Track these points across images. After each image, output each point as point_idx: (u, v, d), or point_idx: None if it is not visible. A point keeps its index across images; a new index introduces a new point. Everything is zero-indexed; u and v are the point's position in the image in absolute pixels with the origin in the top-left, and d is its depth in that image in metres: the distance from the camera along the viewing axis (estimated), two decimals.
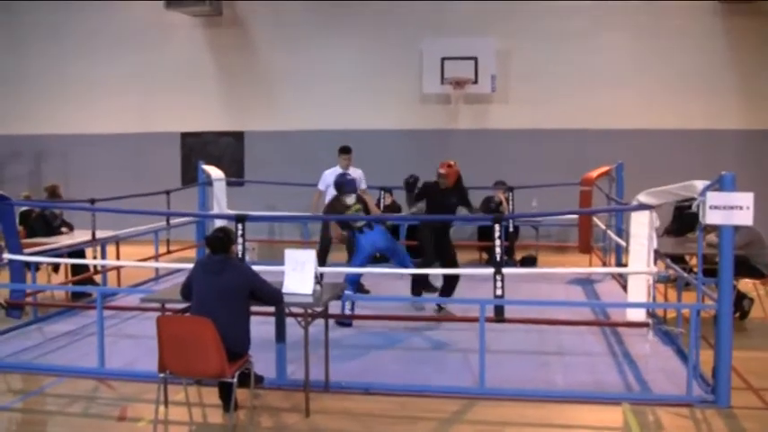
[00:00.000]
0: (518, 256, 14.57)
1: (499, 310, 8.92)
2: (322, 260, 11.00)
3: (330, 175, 11.89)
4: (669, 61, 16.60)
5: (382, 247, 9.96)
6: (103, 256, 11.64)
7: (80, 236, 11.66)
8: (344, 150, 12.26)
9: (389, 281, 11.09)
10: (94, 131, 18.47)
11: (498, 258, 8.26)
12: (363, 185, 11.99)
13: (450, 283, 10.10)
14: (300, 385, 6.74)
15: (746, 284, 10.27)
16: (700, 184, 6.93)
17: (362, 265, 9.75)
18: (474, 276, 10.36)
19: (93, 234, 11.40)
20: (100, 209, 11.53)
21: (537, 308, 9.13)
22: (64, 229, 12.06)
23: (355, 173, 11.89)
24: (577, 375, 7.67)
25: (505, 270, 8.33)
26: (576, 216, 13.69)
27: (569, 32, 16.85)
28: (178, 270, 11.37)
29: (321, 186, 12.23)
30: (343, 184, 10.25)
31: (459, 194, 10.44)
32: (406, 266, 9.99)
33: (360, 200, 10.31)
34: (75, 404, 6.99)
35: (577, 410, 6.76)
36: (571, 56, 16.83)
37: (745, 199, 6.43)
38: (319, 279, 6.79)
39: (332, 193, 11.31)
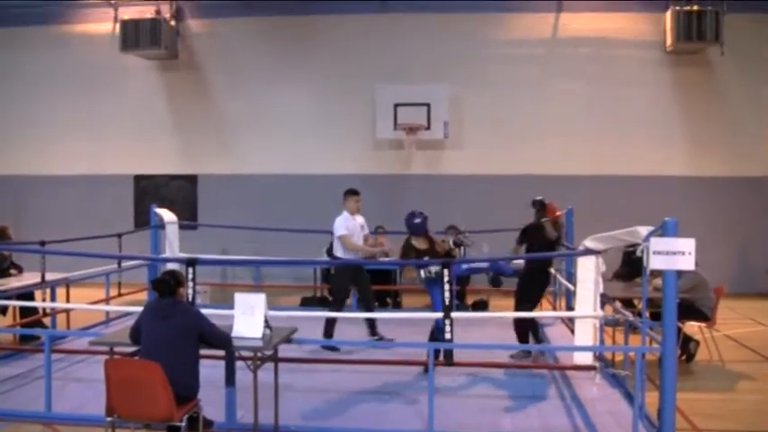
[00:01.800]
0: (470, 300, 14.64)
1: (448, 354, 9.01)
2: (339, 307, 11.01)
3: (345, 221, 11.05)
4: (618, 109, 16.98)
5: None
6: (53, 299, 11.52)
7: (29, 278, 11.51)
8: (355, 192, 11.36)
9: (340, 324, 11.07)
10: (47, 173, 18.33)
11: (448, 303, 8.32)
12: (366, 230, 11.47)
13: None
14: (250, 429, 6.74)
15: (692, 327, 10.43)
16: (644, 230, 7.09)
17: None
18: (424, 321, 10.41)
19: (43, 276, 11.27)
20: (50, 251, 11.36)
21: (486, 352, 9.19)
22: (13, 271, 11.88)
23: (360, 218, 11.33)
24: (526, 419, 7.74)
25: (455, 314, 8.40)
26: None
27: (521, 80, 17.18)
28: (128, 313, 11.30)
29: (343, 231, 10.94)
30: (416, 227, 9.93)
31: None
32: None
33: (431, 243, 10.01)
34: None
35: None
36: (523, 103, 17.14)
37: (687, 245, 6.57)
38: (268, 323, 6.80)
39: (352, 236, 11.01)
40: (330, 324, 10.54)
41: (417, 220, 9.91)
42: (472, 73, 17.19)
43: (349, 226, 11.01)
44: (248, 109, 17.85)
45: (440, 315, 8.81)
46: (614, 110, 17.02)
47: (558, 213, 11.62)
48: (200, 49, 18.04)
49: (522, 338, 10.15)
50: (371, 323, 11.06)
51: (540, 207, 10.76)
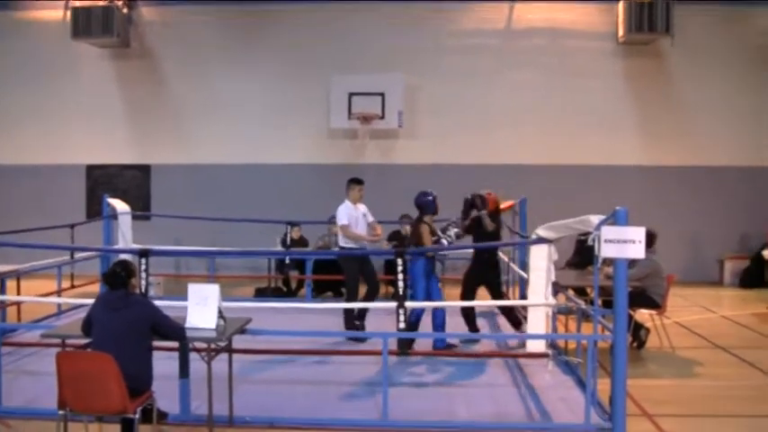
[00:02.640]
0: None
1: (402, 344, 9.04)
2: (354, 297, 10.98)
3: (347, 210, 11.04)
4: (571, 99, 17.15)
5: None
6: (3, 291, 11.35)
7: None
8: (358, 181, 11.29)
9: (298, 314, 11.06)
10: None
11: (401, 292, 8.35)
12: (371, 218, 11.36)
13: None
14: (204, 420, 6.72)
15: (643, 315, 10.57)
16: (595, 219, 7.16)
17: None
18: (379, 310, 10.43)
19: None
20: (0, 242, 11.18)
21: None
22: None
23: (363, 207, 11.28)
24: (480, 406, 7.80)
25: (409, 303, 8.43)
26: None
27: (476, 70, 17.27)
28: (81, 305, 11.17)
29: (346, 220, 10.93)
30: (425, 205, 10.26)
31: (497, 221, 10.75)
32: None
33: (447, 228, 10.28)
34: None
35: None
36: (477, 93, 17.24)
37: (638, 233, 6.64)
38: (222, 314, 6.76)
39: (354, 225, 11.00)
40: (349, 315, 10.51)
41: (429, 198, 10.28)
42: (427, 63, 17.24)
43: (351, 215, 11.01)
44: (202, 98, 17.74)
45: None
46: (568, 100, 17.18)
47: (503, 206, 11.73)
48: (154, 36, 17.88)
49: (473, 327, 10.26)
50: (362, 313, 10.89)
51: (481, 201, 10.77)
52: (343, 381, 8.80)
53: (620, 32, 16.78)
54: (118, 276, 6.15)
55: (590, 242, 7.08)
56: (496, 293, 10.68)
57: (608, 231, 6.67)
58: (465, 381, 8.80)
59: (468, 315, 10.49)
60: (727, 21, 17.13)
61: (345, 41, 17.29)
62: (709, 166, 17.15)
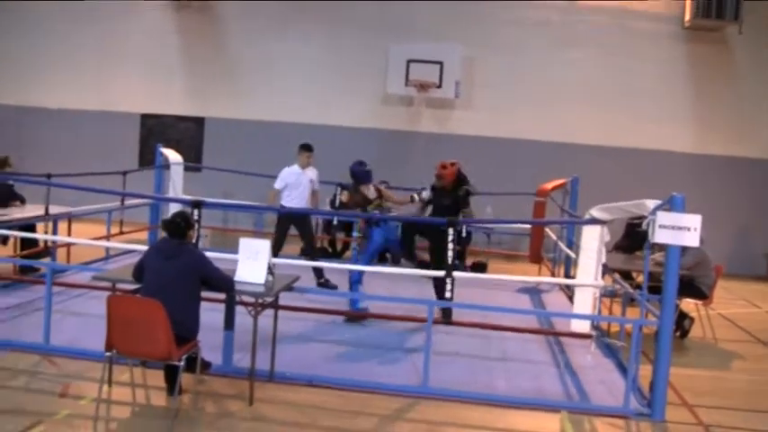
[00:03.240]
0: (469, 261, 14.68)
1: (447, 313, 9.05)
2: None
3: (288, 175, 11.60)
4: (630, 81, 16.91)
5: (393, 239, 10.40)
6: (55, 232, 11.54)
7: (32, 210, 11.47)
8: (308, 148, 11.79)
9: (339, 275, 11.10)
10: (52, 105, 18.27)
11: (450, 261, 8.34)
12: (317, 186, 11.88)
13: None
14: (246, 374, 6.79)
15: (689, 304, 10.48)
16: (651, 204, 7.09)
17: (372, 258, 10.26)
18: (414, 277, 10.44)
19: (47, 209, 11.26)
20: (55, 183, 11.23)
21: (484, 313, 9.25)
22: (15, 202, 11.84)
23: (312, 173, 11.74)
24: (519, 381, 7.80)
25: (456, 274, 8.43)
26: (528, 226, 13.86)
27: (535, 45, 17.10)
28: (129, 251, 11.33)
29: (278, 185, 11.62)
30: (361, 175, 10.42)
31: (454, 196, 10.34)
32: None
33: (379, 193, 10.45)
34: (17, 378, 6.93)
35: (517, 415, 6.87)
36: (535, 68, 17.08)
37: (694, 221, 6.59)
38: (272, 269, 6.82)
39: (289, 193, 11.51)
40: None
41: (367, 168, 10.47)
42: (487, 35, 17.09)
43: (289, 180, 11.55)
44: (260, 55, 17.77)
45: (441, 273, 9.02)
46: (626, 82, 16.95)
47: (553, 185, 11.57)
48: None
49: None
50: (317, 269, 11.28)
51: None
52: (384, 345, 8.86)
53: (687, 17, 16.49)
54: (178, 226, 6.25)
55: (644, 226, 7.02)
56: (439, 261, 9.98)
57: (664, 217, 6.62)
58: (505, 355, 8.80)
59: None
60: None
61: (406, 8, 17.15)
62: (762, 159, 16.87)
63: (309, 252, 11.62)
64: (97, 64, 18.17)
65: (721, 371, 9.11)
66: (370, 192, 10.37)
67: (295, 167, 11.67)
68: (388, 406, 6.84)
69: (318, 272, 11.32)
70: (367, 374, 7.58)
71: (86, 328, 8.25)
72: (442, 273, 9.04)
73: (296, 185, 11.55)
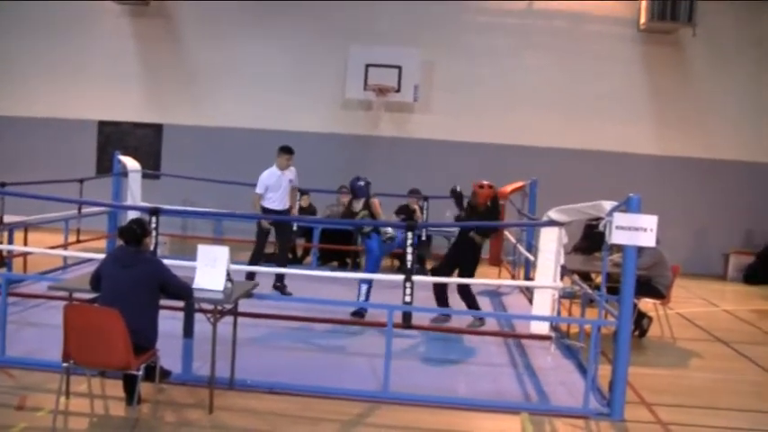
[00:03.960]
0: (429, 265, 14.70)
1: (407, 317, 9.07)
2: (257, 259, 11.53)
3: (268, 177, 11.62)
4: (588, 84, 17.08)
5: (379, 253, 10.55)
6: (10, 241, 11.38)
7: None
8: (287, 150, 11.79)
9: (306, 282, 11.08)
10: (9, 114, 18.02)
11: (409, 266, 8.36)
12: (296, 183, 12.02)
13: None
14: (206, 381, 6.75)
15: (647, 304, 10.59)
16: (608, 205, 7.16)
17: (377, 267, 10.52)
18: (384, 282, 10.46)
19: (1, 218, 11.08)
20: (10, 192, 11.11)
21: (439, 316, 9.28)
22: None
23: (291, 173, 11.81)
24: (480, 384, 7.84)
25: (416, 278, 8.45)
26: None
27: (494, 49, 17.21)
28: (87, 260, 11.22)
29: (259, 190, 11.63)
30: (356, 190, 10.60)
31: (477, 217, 10.27)
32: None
33: (366, 206, 10.53)
34: None
35: (477, 418, 6.90)
36: (494, 72, 17.19)
37: (650, 221, 6.65)
38: (230, 276, 6.79)
39: (270, 195, 11.56)
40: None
41: (360, 183, 10.58)
42: (446, 39, 17.18)
43: (269, 182, 11.59)
44: (218, 61, 17.69)
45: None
46: (584, 84, 17.11)
47: (512, 187, 11.68)
48: None
49: (474, 304, 10.14)
50: (280, 277, 11.44)
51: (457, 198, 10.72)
52: (345, 350, 8.87)
53: (642, 20, 16.68)
54: (134, 233, 6.19)
55: (601, 228, 7.09)
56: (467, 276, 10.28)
57: (620, 218, 6.69)
58: (466, 358, 8.83)
59: (442, 292, 10.24)
60: (749, 15, 17.00)
61: (365, 12, 17.21)
62: (719, 160, 17.12)
63: (282, 258, 11.73)
64: (53, 70, 17.95)
65: (680, 369, 9.20)
66: (358, 205, 10.53)
67: (273, 169, 11.69)
68: (349, 411, 6.82)
69: (280, 276, 11.37)
70: (328, 380, 7.57)
71: (43, 338, 8.13)
72: (401, 277, 9.06)
73: (276, 187, 11.61)
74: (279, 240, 11.80)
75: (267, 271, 10.70)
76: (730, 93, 17.08)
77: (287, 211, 11.78)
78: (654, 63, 17.19)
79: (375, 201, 10.63)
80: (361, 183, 10.58)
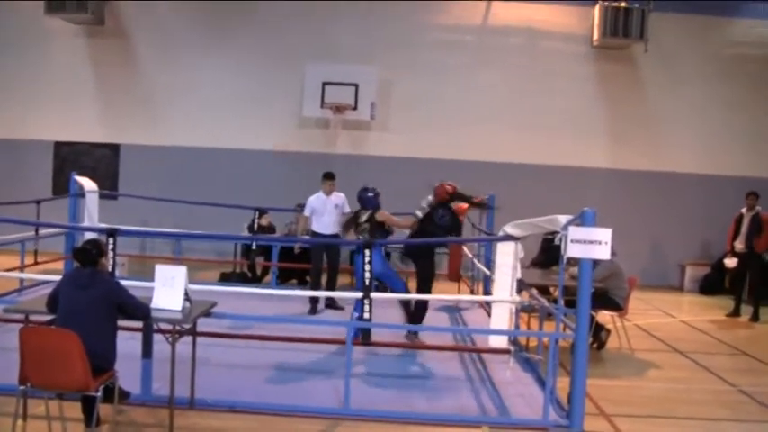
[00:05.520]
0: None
1: (366, 334, 9.08)
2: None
3: (315, 201, 12.09)
4: (543, 100, 17.30)
5: (377, 271, 9.59)
6: None
7: None
8: (328, 176, 12.22)
9: (264, 300, 11.05)
10: None
11: (367, 283, 8.38)
12: (347, 209, 12.08)
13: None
14: (165, 402, 6.70)
15: (605, 316, 10.69)
16: (563, 219, 7.25)
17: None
18: (343, 300, 10.48)
19: None
20: None
21: (403, 332, 9.30)
22: None
23: (338, 198, 12.14)
24: (440, 399, 7.86)
25: (374, 294, 8.48)
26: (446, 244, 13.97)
27: (450, 66, 17.35)
28: (44, 282, 11.10)
29: (306, 212, 12.21)
30: (364, 200, 10.47)
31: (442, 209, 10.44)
32: (398, 291, 10.24)
33: (369, 219, 10.35)
34: None
35: None
36: (450, 89, 17.33)
37: (604, 234, 6.73)
38: (188, 296, 6.76)
39: (316, 219, 12.00)
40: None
41: (369, 194, 10.46)
42: (402, 56, 17.28)
43: (315, 206, 12.08)
44: (175, 80, 17.64)
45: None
46: (540, 100, 17.32)
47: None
48: (128, 16, 17.71)
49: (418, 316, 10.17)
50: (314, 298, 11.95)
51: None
52: (304, 368, 8.84)
53: (595, 36, 16.93)
54: (89, 254, 6.13)
55: (557, 241, 7.18)
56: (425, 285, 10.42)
57: (575, 231, 6.75)
58: (425, 373, 8.87)
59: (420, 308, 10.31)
60: (699, 31, 17.34)
61: (321, 31, 17.29)
62: (673, 173, 17.39)
63: (334, 280, 12.09)
64: (7, 90, 17.79)
65: (638, 380, 9.29)
66: (364, 216, 10.40)
67: (320, 194, 12.17)
68: (310, 428, 6.82)
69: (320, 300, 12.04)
70: (288, 398, 7.56)
71: None
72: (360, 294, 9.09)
73: (321, 212, 12.07)
74: (329, 263, 12.09)
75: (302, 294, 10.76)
76: (683, 107, 17.40)
77: (335, 236, 11.99)
78: (608, 79, 17.45)
79: (383, 212, 10.57)
80: (370, 193, 10.48)
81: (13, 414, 5.98)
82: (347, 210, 12.12)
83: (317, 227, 12.09)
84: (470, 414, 7.42)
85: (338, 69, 16.57)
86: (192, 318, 6.68)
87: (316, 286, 11.92)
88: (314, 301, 11.93)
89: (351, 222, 10.67)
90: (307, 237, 12.32)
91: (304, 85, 16.68)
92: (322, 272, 12.07)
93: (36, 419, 6.47)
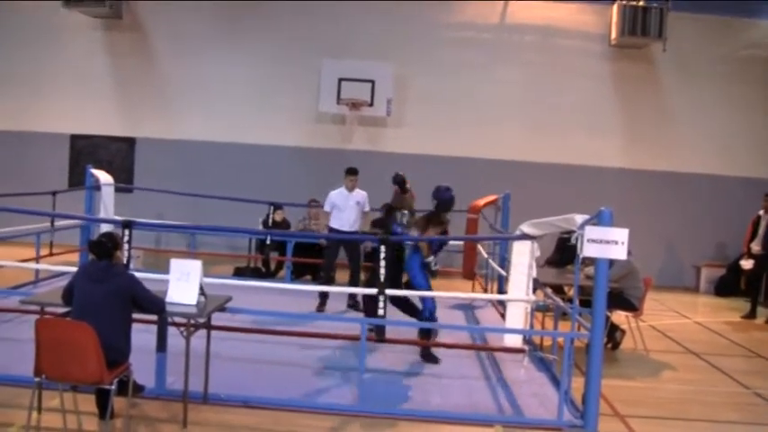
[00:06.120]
0: (404, 278, 14.67)
1: (380, 330, 9.05)
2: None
3: (336, 197, 11.92)
4: (559, 99, 17.24)
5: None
6: None
7: None
8: (351, 172, 12.03)
9: (279, 295, 11.04)
10: None
11: (382, 279, 8.36)
12: (367, 208, 12.11)
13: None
14: (179, 396, 6.71)
15: (620, 317, 10.66)
16: (579, 218, 7.20)
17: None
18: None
19: None
20: None
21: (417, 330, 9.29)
22: None
23: (360, 195, 12.02)
24: (453, 397, 7.84)
25: (388, 291, 8.46)
26: (461, 242, 13.94)
27: (466, 63, 17.32)
28: (59, 273, 11.15)
29: (326, 207, 12.03)
30: (447, 202, 9.59)
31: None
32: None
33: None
34: None
35: (451, 430, 6.92)
36: (466, 86, 17.28)
37: (621, 234, 6.69)
38: (203, 290, 6.76)
39: (337, 214, 11.82)
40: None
41: (452, 193, 9.60)
42: (418, 53, 17.26)
43: (336, 201, 11.89)
44: (192, 75, 17.66)
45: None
46: (556, 99, 17.26)
47: (485, 201, 11.71)
48: (146, 10, 17.74)
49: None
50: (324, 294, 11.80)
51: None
52: (319, 364, 8.84)
53: (613, 35, 16.87)
54: (104, 246, 6.13)
55: (573, 241, 7.12)
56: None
57: (591, 231, 6.71)
58: (440, 371, 8.84)
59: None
60: (717, 31, 17.26)
61: (338, 27, 17.28)
62: (689, 173, 17.31)
63: (355, 277, 11.90)
64: (25, 84, 17.83)
65: (653, 381, 9.25)
66: (447, 217, 9.64)
67: (342, 190, 11.99)
68: (324, 425, 6.82)
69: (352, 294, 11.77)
70: (301, 394, 7.57)
71: (15, 353, 8.03)
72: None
73: (342, 207, 11.88)
74: (350, 260, 11.97)
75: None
76: (700, 107, 17.30)
77: (354, 233, 11.89)
78: (624, 77, 17.37)
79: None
80: (452, 192, 9.64)
81: (28, 406, 5.99)
82: (367, 208, 12.12)
83: (336, 223, 11.94)
84: (484, 413, 7.40)
85: (354, 65, 16.58)
86: (207, 312, 6.68)
87: (327, 282, 11.77)
88: (323, 296, 11.81)
89: (442, 223, 9.61)
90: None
91: (320, 80, 16.69)
92: (335, 269, 12.00)
93: (51, 412, 6.49)
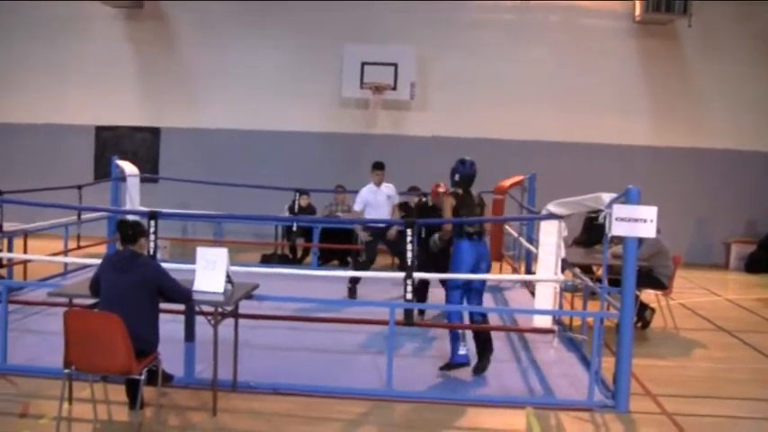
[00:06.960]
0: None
1: (408, 315, 9.01)
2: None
3: (366, 194, 11.76)
4: (585, 78, 17.07)
5: (487, 262, 8.49)
6: (10, 249, 11.35)
7: None
8: (378, 166, 11.89)
9: (306, 281, 11.03)
10: (4, 120, 17.99)
11: (409, 263, 8.32)
12: (396, 200, 12.02)
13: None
14: (208, 384, 6.73)
15: (649, 295, 10.58)
16: (607, 197, 7.13)
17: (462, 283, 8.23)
18: (385, 280, 10.42)
19: (1, 226, 11.07)
20: (8, 200, 11.05)
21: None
22: None
23: (388, 188, 11.89)
24: (484, 380, 7.82)
25: (416, 274, 8.43)
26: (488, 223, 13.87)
27: (489, 44, 17.19)
28: (87, 265, 11.20)
29: (357, 207, 11.86)
30: (471, 177, 8.82)
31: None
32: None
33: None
34: None
35: (482, 414, 6.89)
36: (489, 67, 17.15)
37: (650, 212, 6.63)
38: (230, 278, 6.76)
39: (369, 212, 11.69)
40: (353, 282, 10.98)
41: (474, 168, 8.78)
42: (441, 36, 17.16)
43: (368, 199, 11.74)
44: (214, 63, 17.66)
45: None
46: (581, 78, 17.10)
47: (511, 182, 11.64)
48: None
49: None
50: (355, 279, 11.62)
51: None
52: (347, 349, 8.84)
53: (637, 12, 16.68)
54: (131, 227, 6.18)
55: (601, 220, 7.07)
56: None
57: (619, 210, 6.66)
58: (469, 354, 8.78)
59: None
60: (742, 6, 16.96)
61: (360, 11, 17.18)
62: (718, 149, 17.11)
63: (404, 265, 11.48)
64: (48, 75, 17.92)
65: (683, 360, 9.17)
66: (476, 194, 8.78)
67: (371, 186, 11.86)
68: (353, 410, 6.81)
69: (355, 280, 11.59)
70: (331, 380, 7.56)
71: (44, 345, 8.11)
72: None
73: (375, 204, 11.75)
74: (393, 253, 12.03)
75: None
76: (727, 83, 17.07)
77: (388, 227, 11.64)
78: (650, 55, 17.18)
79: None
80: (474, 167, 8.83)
81: (59, 397, 6.02)
82: (397, 200, 12.05)
83: (372, 221, 11.75)
84: (515, 395, 7.38)
85: (377, 49, 16.53)
86: (234, 300, 6.68)
87: (364, 268, 11.50)
88: (354, 282, 11.65)
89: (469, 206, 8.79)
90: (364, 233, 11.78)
91: (343, 65, 16.65)
92: (374, 263, 11.90)
93: (81, 402, 6.52)
